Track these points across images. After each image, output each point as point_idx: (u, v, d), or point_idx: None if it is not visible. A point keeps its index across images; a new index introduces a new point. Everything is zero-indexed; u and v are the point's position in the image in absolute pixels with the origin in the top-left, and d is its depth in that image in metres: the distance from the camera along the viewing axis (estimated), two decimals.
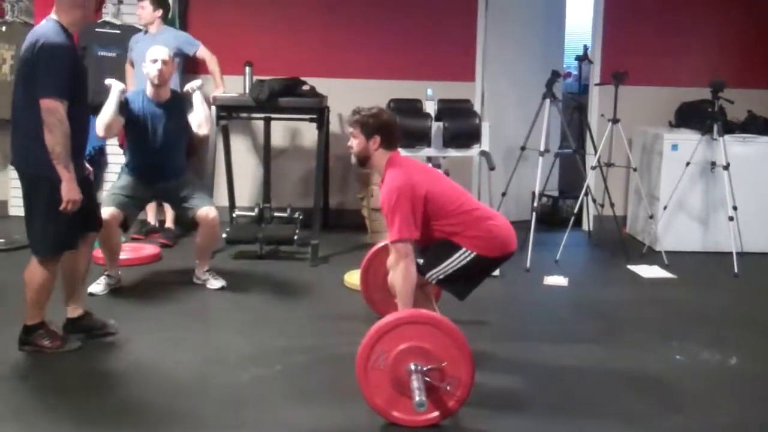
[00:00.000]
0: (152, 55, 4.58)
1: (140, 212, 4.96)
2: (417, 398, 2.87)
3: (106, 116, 4.48)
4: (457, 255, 3.44)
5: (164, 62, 4.56)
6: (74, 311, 3.85)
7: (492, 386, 3.50)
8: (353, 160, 3.61)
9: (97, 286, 4.59)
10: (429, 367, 2.97)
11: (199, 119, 4.70)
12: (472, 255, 3.43)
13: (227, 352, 3.81)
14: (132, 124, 4.61)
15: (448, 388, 2.99)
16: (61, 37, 3.42)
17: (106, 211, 4.40)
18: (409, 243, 3.37)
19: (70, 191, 3.41)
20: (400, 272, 3.37)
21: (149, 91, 4.64)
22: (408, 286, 3.37)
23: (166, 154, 4.69)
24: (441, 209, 3.44)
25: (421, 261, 3.47)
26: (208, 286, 4.80)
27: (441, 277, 3.49)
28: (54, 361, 3.60)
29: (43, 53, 3.36)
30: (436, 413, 3.05)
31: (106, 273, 4.65)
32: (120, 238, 4.69)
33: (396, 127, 3.61)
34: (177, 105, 4.71)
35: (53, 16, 3.49)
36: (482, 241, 3.44)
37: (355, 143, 3.56)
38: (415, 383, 2.93)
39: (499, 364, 3.74)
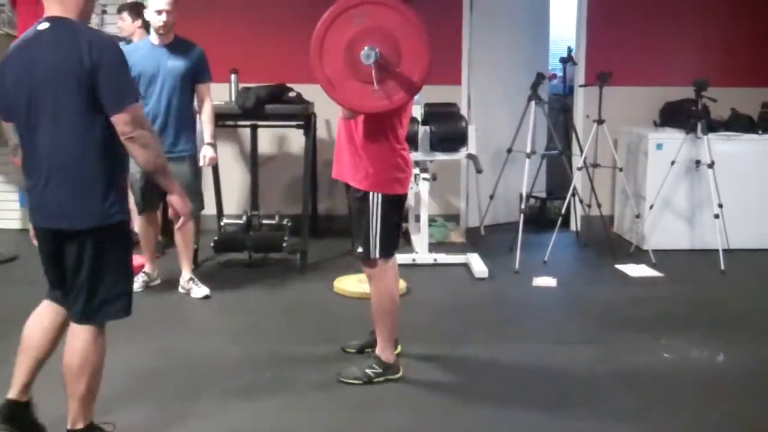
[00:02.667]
0: (155, 5, 4.63)
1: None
2: (365, 50, 3.02)
3: None
4: (370, 205, 3.38)
5: (168, 12, 4.61)
6: (23, 395, 2.91)
7: (483, 388, 3.53)
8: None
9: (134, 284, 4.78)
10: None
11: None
12: (380, 196, 3.38)
13: (217, 361, 3.81)
14: (140, 76, 4.66)
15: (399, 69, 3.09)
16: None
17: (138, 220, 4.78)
18: None
19: (186, 202, 2.87)
20: None
21: (153, 38, 4.73)
22: None
23: (173, 104, 4.70)
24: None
25: (360, 249, 3.44)
26: (192, 295, 4.80)
27: (379, 245, 3.42)
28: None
29: (110, 56, 2.61)
30: (385, 101, 3.11)
31: (143, 271, 4.91)
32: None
33: None
34: (181, 45, 4.75)
35: (62, 14, 2.64)
36: (390, 171, 3.38)
37: None
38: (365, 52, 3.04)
39: (490, 366, 3.76)
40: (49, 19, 2.65)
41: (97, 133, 2.63)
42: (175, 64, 4.68)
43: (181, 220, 2.89)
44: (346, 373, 3.54)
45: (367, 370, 3.52)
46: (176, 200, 2.83)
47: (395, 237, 3.56)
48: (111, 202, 2.68)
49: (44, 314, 2.90)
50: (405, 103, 3.27)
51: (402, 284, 3.81)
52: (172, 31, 4.73)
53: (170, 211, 2.90)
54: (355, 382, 3.50)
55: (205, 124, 4.80)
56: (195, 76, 4.75)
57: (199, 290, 4.80)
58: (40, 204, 2.71)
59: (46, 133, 2.63)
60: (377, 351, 3.57)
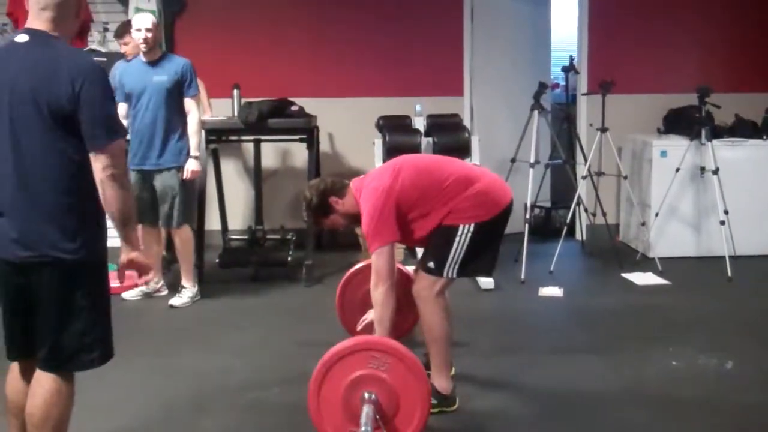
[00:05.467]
0: (137, 24, 4.77)
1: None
2: (363, 428, 2.68)
3: None
4: (459, 235, 3.24)
5: (147, 30, 4.72)
6: None
7: (490, 399, 3.51)
8: (357, 231, 3.51)
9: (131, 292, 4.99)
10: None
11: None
12: (472, 226, 3.24)
13: (224, 376, 3.80)
14: (132, 94, 4.83)
15: None
16: None
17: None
18: (389, 247, 3.20)
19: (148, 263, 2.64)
20: (380, 296, 3.21)
21: (142, 55, 4.85)
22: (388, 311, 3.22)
23: (159, 118, 4.77)
24: (420, 198, 3.27)
25: (432, 264, 3.29)
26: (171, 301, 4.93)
27: (457, 266, 3.28)
28: None
29: (98, 84, 2.36)
30: None
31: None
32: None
33: (322, 184, 3.45)
34: (166, 60, 4.85)
35: (50, 31, 2.38)
36: (473, 210, 3.26)
37: (337, 224, 3.50)
38: (365, 412, 2.75)
39: (497, 377, 3.73)
40: (28, 31, 2.38)
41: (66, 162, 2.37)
42: (160, 79, 4.79)
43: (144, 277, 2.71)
44: None
45: None
46: (138, 258, 2.55)
47: (486, 260, 3.43)
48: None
49: (21, 374, 2.58)
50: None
51: None
52: (157, 47, 4.86)
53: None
54: None
55: (190, 136, 4.86)
56: (180, 90, 4.83)
57: (175, 299, 4.91)
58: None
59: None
60: (432, 379, 3.35)
